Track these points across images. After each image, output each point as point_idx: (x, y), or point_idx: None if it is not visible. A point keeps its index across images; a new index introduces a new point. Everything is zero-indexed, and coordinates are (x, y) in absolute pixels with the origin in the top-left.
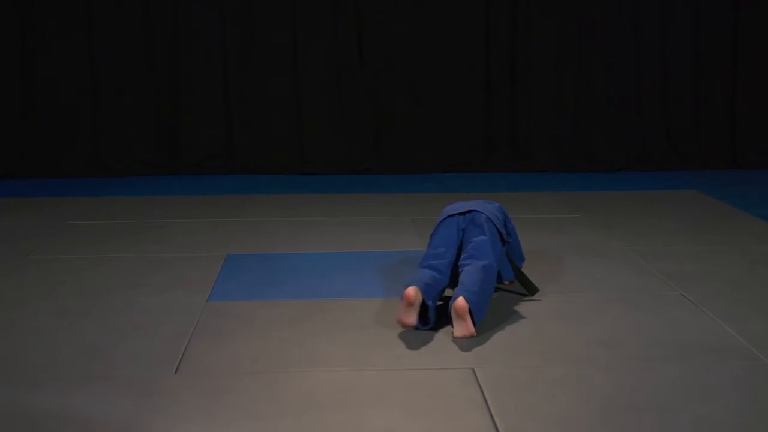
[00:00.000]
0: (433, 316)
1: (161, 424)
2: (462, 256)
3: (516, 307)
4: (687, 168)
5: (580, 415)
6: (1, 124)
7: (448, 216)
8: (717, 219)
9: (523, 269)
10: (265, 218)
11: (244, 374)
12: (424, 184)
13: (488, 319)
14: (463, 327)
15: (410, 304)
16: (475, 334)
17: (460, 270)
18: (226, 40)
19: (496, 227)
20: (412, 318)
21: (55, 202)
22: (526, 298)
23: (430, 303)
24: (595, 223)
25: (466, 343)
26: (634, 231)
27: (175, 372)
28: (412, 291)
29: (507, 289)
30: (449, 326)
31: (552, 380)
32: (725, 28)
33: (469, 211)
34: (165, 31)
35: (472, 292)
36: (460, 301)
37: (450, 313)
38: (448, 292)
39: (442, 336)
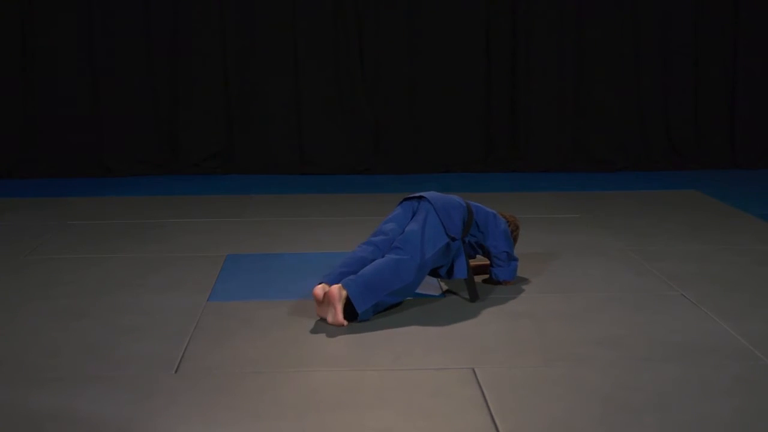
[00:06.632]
0: (363, 309)
1: (161, 424)
2: (392, 246)
3: (516, 307)
4: (687, 168)
5: (580, 415)
6: (1, 124)
7: (406, 199)
8: (717, 219)
9: (519, 269)
10: (265, 218)
11: (245, 374)
12: (424, 185)
13: (488, 318)
14: (332, 314)
15: (319, 303)
16: (343, 323)
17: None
18: (226, 40)
19: (440, 219)
20: (324, 312)
21: (55, 202)
22: (526, 298)
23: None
24: (595, 223)
25: (466, 343)
26: (634, 231)
27: (175, 372)
28: (318, 290)
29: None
30: (448, 326)
31: (552, 380)
32: (725, 27)
33: (421, 197)
34: (165, 32)
35: (358, 283)
36: (334, 288)
37: None
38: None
39: (442, 336)
